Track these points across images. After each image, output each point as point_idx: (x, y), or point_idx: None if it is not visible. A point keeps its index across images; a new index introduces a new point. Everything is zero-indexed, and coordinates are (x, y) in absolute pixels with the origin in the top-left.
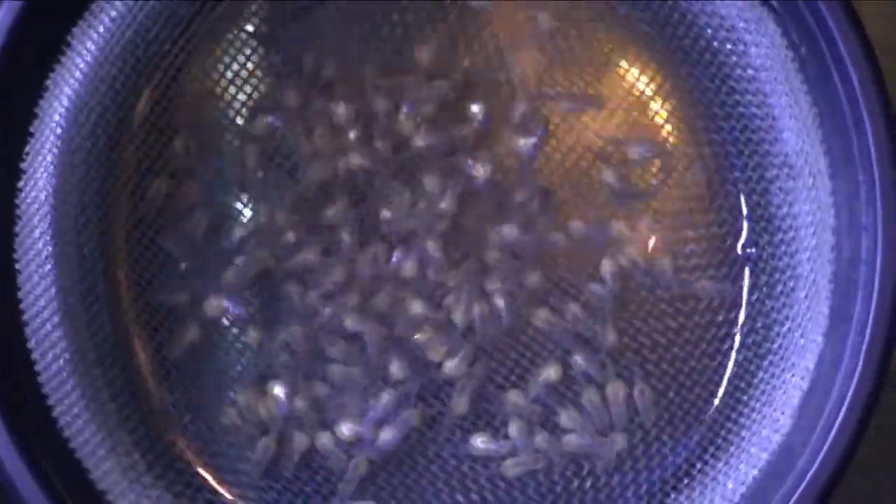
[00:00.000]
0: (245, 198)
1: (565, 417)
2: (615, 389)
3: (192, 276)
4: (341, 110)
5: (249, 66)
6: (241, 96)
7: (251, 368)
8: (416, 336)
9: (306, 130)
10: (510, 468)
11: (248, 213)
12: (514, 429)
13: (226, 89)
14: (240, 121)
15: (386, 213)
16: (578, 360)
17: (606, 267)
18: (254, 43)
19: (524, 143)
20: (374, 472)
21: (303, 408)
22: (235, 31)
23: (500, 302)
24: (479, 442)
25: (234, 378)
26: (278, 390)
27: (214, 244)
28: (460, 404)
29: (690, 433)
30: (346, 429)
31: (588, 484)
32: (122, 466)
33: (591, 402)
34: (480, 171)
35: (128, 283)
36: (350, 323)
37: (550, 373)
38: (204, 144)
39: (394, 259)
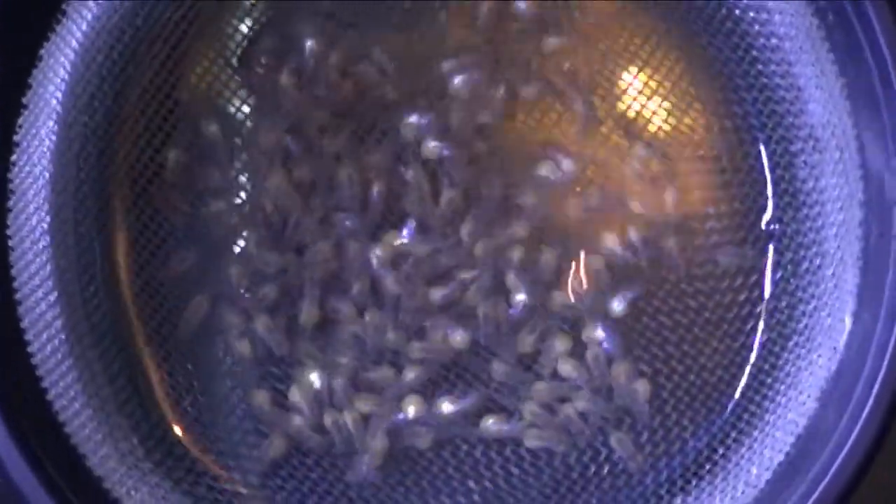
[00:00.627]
0: (252, 174)
1: (570, 367)
2: (619, 371)
3: (197, 253)
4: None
5: (254, 36)
6: (247, 69)
7: (255, 352)
8: (427, 321)
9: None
10: (532, 439)
11: (253, 189)
12: (527, 410)
13: (230, 60)
14: (246, 97)
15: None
16: (589, 335)
17: (614, 241)
18: (257, 14)
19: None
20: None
21: (311, 393)
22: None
23: (516, 287)
24: (490, 423)
25: (237, 361)
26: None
27: (223, 222)
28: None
29: (712, 417)
30: (363, 405)
31: (605, 470)
32: (120, 452)
33: (595, 361)
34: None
35: (127, 262)
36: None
37: (560, 344)
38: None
39: (405, 235)
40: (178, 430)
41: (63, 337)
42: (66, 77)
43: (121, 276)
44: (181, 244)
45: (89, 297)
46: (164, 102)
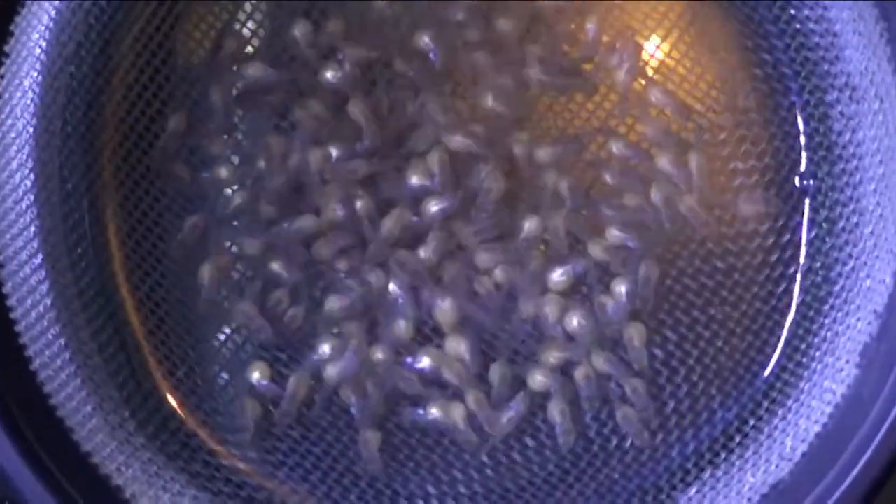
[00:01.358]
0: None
1: (576, 321)
2: (631, 333)
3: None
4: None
5: None
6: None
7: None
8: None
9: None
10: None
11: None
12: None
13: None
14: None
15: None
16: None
17: (635, 198)
18: None
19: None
20: (389, 437)
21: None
22: None
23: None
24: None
25: (233, 330)
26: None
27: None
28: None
29: (742, 385)
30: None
31: (628, 443)
32: (110, 425)
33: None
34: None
35: (116, 223)
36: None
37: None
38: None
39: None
40: (172, 402)
41: (49, 302)
42: (51, 24)
43: (110, 237)
44: (178, 205)
45: (76, 259)
46: (156, 52)
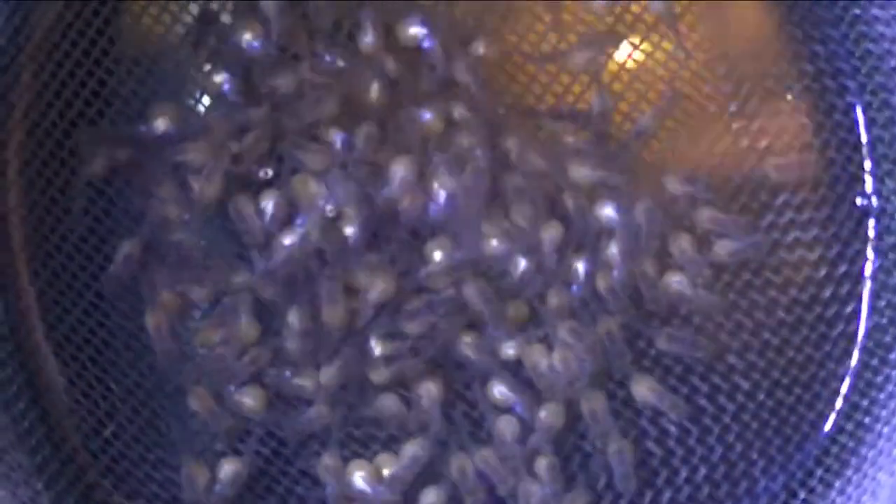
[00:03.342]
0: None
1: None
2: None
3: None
4: None
5: None
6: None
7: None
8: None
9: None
10: None
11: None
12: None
13: None
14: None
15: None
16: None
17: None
18: None
19: None
20: None
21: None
22: None
23: None
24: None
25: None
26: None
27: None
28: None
29: (790, 450)
30: None
31: None
32: (20, 500)
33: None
34: None
35: (28, 253)
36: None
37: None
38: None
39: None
40: (95, 471)
41: None
42: None
43: (20, 269)
44: (102, 231)
45: None
46: (70, 53)
